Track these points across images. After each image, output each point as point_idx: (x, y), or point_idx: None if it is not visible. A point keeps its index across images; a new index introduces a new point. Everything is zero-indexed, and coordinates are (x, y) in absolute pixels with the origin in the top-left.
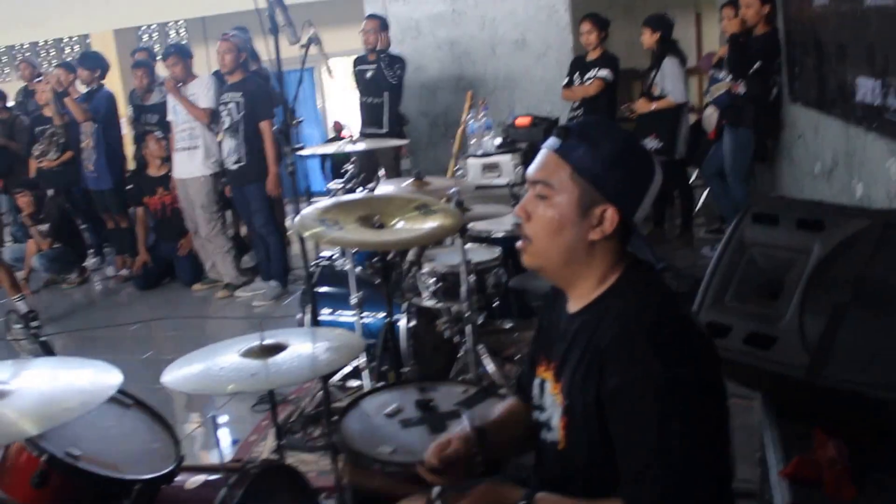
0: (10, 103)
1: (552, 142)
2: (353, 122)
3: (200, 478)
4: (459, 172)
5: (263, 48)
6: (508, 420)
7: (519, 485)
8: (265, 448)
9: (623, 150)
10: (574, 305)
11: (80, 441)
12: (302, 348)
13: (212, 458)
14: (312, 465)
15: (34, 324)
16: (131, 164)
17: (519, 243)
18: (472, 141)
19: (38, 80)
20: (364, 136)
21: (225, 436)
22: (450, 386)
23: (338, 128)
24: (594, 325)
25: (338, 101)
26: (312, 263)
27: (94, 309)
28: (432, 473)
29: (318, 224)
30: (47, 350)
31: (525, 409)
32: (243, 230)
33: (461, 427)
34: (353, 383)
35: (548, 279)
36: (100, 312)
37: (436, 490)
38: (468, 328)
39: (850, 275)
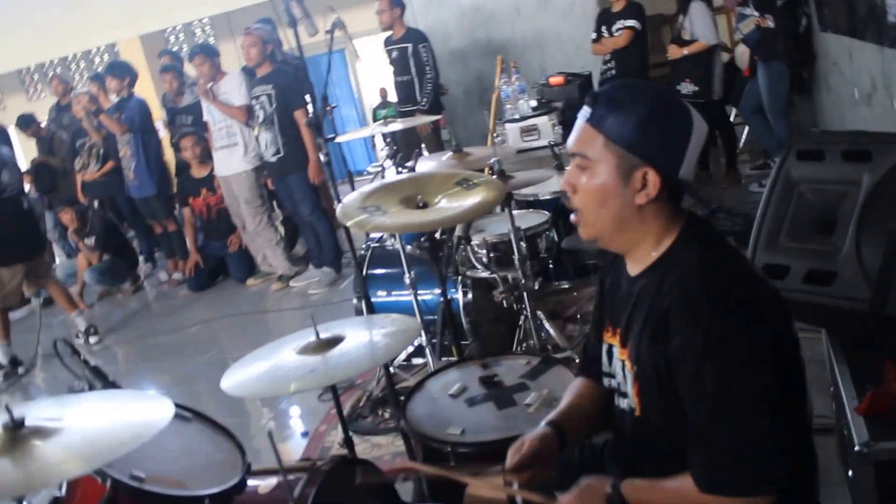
0: (43, 122)
1: (584, 111)
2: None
3: (272, 480)
4: (499, 139)
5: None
6: (580, 405)
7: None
8: (336, 437)
9: (654, 109)
10: (634, 269)
11: (145, 462)
12: (359, 338)
13: (288, 451)
14: (386, 447)
15: (94, 339)
16: (171, 168)
17: (572, 217)
18: (508, 105)
19: (72, 94)
20: (401, 113)
21: (297, 428)
22: (512, 359)
23: (383, 93)
24: (655, 288)
25: (372, 79)
26: (362, 247)
27: (150, 315)
28: (516, 475)
29: (360, 212)
30: (100, 375)
31: (594, 387)
32: None
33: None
34: (418, 361)
35: (606, 248)
36: (157, 318)
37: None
38: (525, 295)
39: None
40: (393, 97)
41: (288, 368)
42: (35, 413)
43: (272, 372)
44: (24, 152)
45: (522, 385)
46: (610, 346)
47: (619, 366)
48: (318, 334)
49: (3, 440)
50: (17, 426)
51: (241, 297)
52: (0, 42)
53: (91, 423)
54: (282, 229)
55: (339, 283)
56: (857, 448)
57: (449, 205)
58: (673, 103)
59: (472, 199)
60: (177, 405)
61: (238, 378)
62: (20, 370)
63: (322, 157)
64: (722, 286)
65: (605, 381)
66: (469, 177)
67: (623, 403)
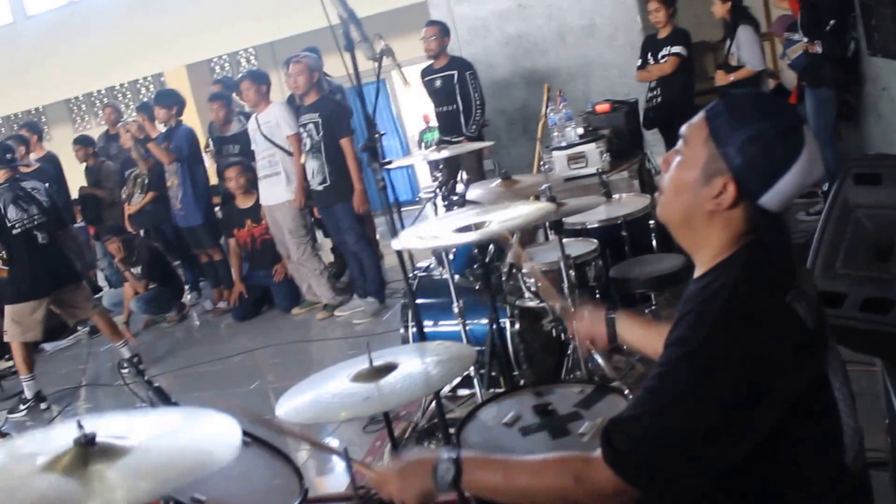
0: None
1: (710, 104)
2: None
3: None
4: (545, 167)
5: (334, 65)
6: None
7: None
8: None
9: (765, 128)
10: (697, 272)
11: (205, 485)
12: (412, 365)
13: (329, 486)
14: None
15: (125, 373)
16: (216, 198)
17: (656, 194)
18: (554, 133)
19: (120, 124)
20: (444, 143)
21: (340, 461)
22: (565, 387)
23: (427, 119)
24: (699, 294)
25: (413, 108)
26: (409, 276)
27: (196, 345)
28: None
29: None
30: (163, 396)
31: None
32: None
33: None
34: (464, 392)
35: (674, 238)
36: (202, 347)
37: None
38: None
39: None
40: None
41: (342, 395)
42: (101, 428)
43: (325, 399)
44: (72, 180)
45: (576, 414)
46: None
47: None
48: (371, 361)
49: (73, 458)
50: (88, 443)
51: (286, 327)
52: (48, 72)
53: (160, 443)
54: (332, 256)
55: (383, 314)
56: None
57: (499, 220)
58: (790, 132)
59: (521, 210)
60: None
61: (293, 405)
62: (42, 405)
63: (379, 184)
64: (742, 311)
65: None
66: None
67: None
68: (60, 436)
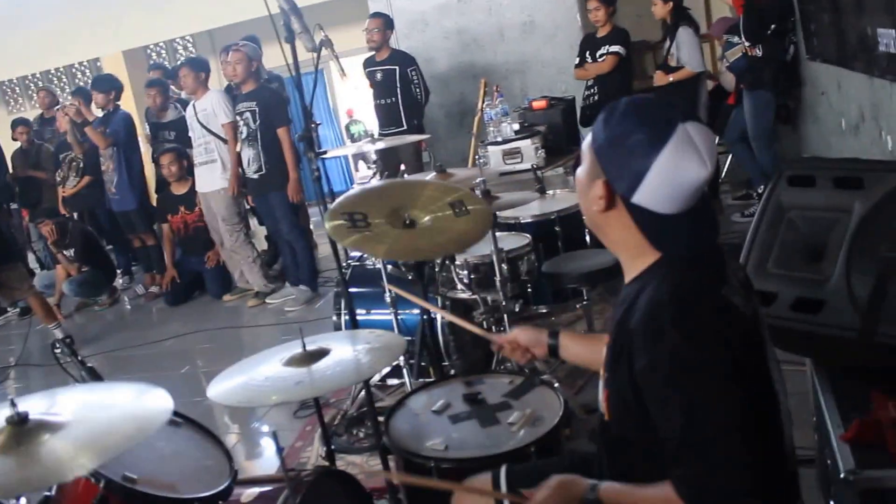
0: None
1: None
2: (369, 121)
3: (255, 490)
4: (480, 161)
5: (273, 54)
6: (590, 343)
7: (581, 468)
8: (312, 454)
9: (630, 128)
10: (626, 276)
11: (136, 464)
12: (343, 352)
13: (257, 469)
14: (360, 466)
15: (58, 353)
16: (151, 183)
17: None
18: (491, 128)
19: (56, 108)
20: (383, 136)
21: (269, 444)
22: (495, 378)
23: (350, 114)
24: (630, 303)
25: (349, 100)
26: (343, 264)
27: (127, 328)
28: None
29: (344, 218)
30: (95, 375)
31: None
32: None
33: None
34: (393, 381)
35: None
36: (133, 331)
37: (503, 480)
38: (505, 317)
39: (895, 230)
40: (361, 117)
41: (274, 379)
42: (35, 407)
43: (257, 382)
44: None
45: (506, 404)
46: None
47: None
48: (304, 346)
49: (8, 435)
50: (21, 421)
51: (217, 313)
52: None
53: (94, 416)
54: (265, 244)
55: (314, 302)
56: (842, 475)
57: (436, 228)
58: (653, 130)
59: (461, 227)
60: None
61: (224, 387)
62: None
63: (314, 173)
64: (687, 309)
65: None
66: (462, 198)
67: (600, 406)
68: None
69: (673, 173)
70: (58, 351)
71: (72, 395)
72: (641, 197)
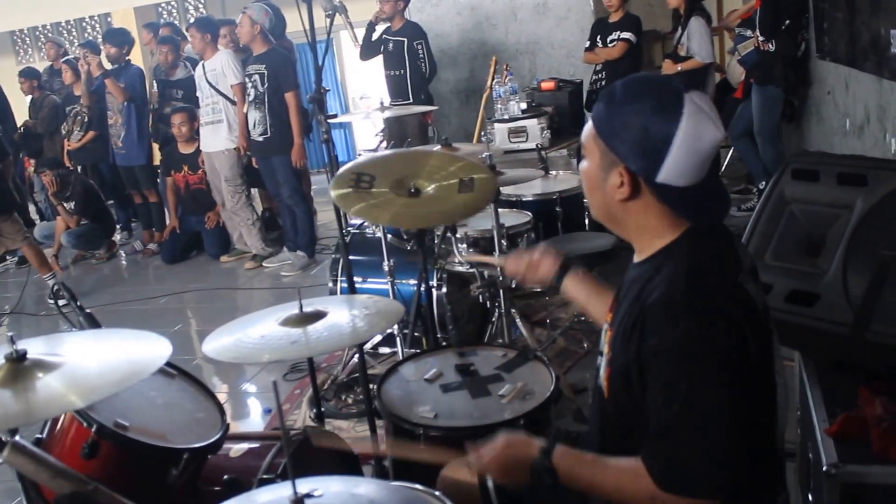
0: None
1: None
2: (374, 93)
3: (244, 446)
4: (486, 137)
5: (291, 20)
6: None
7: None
8: (300, 416)
9: (639, 108)
10: (637, 256)
11: (129, 412)
12: (340, 315)
13: (244, 429)
14: (347, 431)
15: (62, 302)
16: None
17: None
18: (498, 106)
19: (64, 59)
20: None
21: (257, 405)
22: (489, 350)
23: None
24: (645, 281)
25: (357, 71)
26: (343, 231)
27: (122, 283)
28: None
29: (351, 182)
30: (93, 322)
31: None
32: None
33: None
34: (385, 350)
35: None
36: (128, 286)
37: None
38: (501, 292)
39: (895, 229)
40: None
41: (269, 338)
42: (34, 349)
43: (253, 340)
44: (18, 113)
45: (497, 376)
46: (605, 326)
47: (604, 346)
48: (301, 307)
49: (6, 371)
50: (19, 358)
51: (214, 273)
52: None
53: (90, 359)
54: (259, 207)
55: (311, 269)
56: (824, 468)
57: (439, 197)
58: (663, 104)
59: (465, 197)
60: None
61: (219, 343)
62: None
63: (323, 136)
64: (704, 292)
65: (597, 358)
66: (468, 169)
67: (598, 382)
68: None
69: (694, 143)
70: (54, 300)
71: (70, 339)
72: (666, 174)
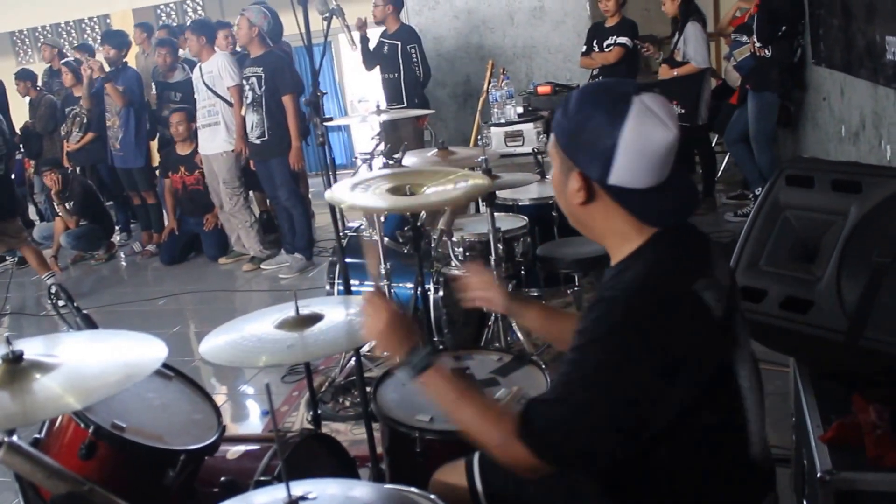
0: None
1: None
2: (373, 96)
3: (241, 448)
4: (482, 141)
5: (288, 24)
6: (550, 315)
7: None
8: (297, 419)
9: (586, 113)
10: (612, 261)
11: (126, 413)
12: (336, 318)
13: (242, 431)
14: (344, 434)
15: (60, 302)
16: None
17: None
18: (494, 109)
19: (63, 61)
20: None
21: (254, 407)
22: (484, 354)
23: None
24: (609, 286)
25: (355, 74)
26: (340, 233)
27: (121, 284)
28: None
29: (347, 193)
30: (90, 323)
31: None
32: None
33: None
34: (383, 353)
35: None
36: (127, 287)
37: (476, 468)
38: None
39: (889, 236)
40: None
41: (265, 341)
42: (31, 349)
43: (249, 343)
44: (17, 115)
45: (493, 380)
46: None
47: None
48: (298, 310)
49: (3, 372)
50: (16, 359)
51: (212, 275)
52: None
53: (87, 360)
54: (257, 210)
55: (308, 271)
56: (818, 475)
57: (435, 191)
58: (608, 107)
59: (460, 185)
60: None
61: (215, 345)
62: None
63: (318, 139)
64: (648, 297)
65: None
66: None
67: None
68: None
69: (640, 144)
70: (53, 301)
71: (67, 340)
72: (617, 176)
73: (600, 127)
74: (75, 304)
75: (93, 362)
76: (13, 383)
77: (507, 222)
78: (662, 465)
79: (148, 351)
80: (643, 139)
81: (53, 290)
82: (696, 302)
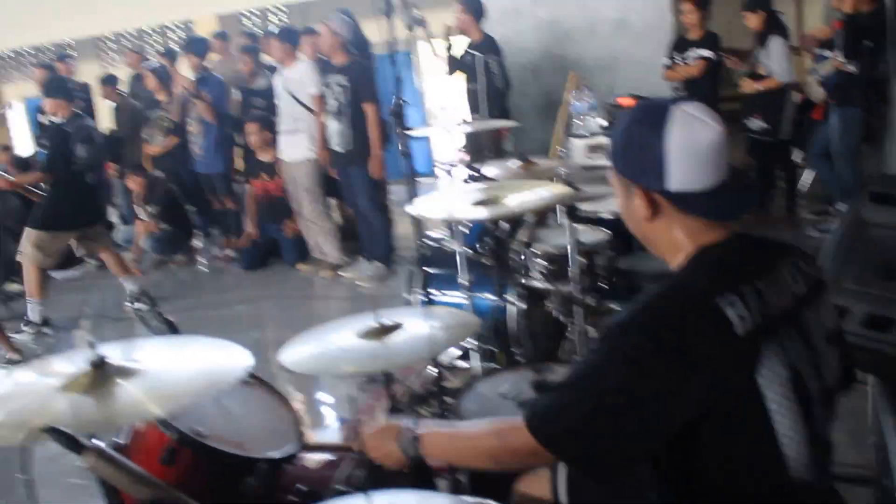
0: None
1: None
2: (454, 105)
3: (319, 456)
4: (563, 153)
5: (370, 32)
6: None
7: None
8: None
9: (629, 127)
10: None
11: (207, 419)
12: (417, 327)
13: (319, 438)
14: None
15: (138, 305)
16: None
17: None
18: (576, 121)
19: (146, 65)
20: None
21: (331, 415)
22: (564, 367)
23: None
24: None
25: (436, 81)
26: (418, 243)
27: (200, 289)
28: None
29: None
30: (172, 328)
31: None
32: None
33: None
34: (461, 364)
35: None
36: (207, 292)
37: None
38: (577, 309)
39: None
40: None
41: (348, 350)
42: (114, 354)
43: (332, 352)
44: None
45: None
46: None
47: None
48: (379, 319)
49: (88, 377)
50: (100, 364)
51: (290, 281)
52: (80, 8)
53: (170, 366)
54: (337, 217)
55: (387, 279)
56: None
57: (516, 202)
58: (647, 116)
59: (539, 198)
60: None
61: (298, 354)
62: (48, 331)
63: (402, 149)
64: (661, 306)
65: None
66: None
67: None
68: (70, 360)
69: (687, 145)
70: (137, 302)
71: (150, 345)
72: (674, 181)
73: (645, 138)
74: (158, 309)
75: (176, 368)
76: (97, 389)
77: (590, 235)
78: (687, 486)
79: (232, 359)
80: (689, 140)
81: (135, 293)
82: (715, 315)
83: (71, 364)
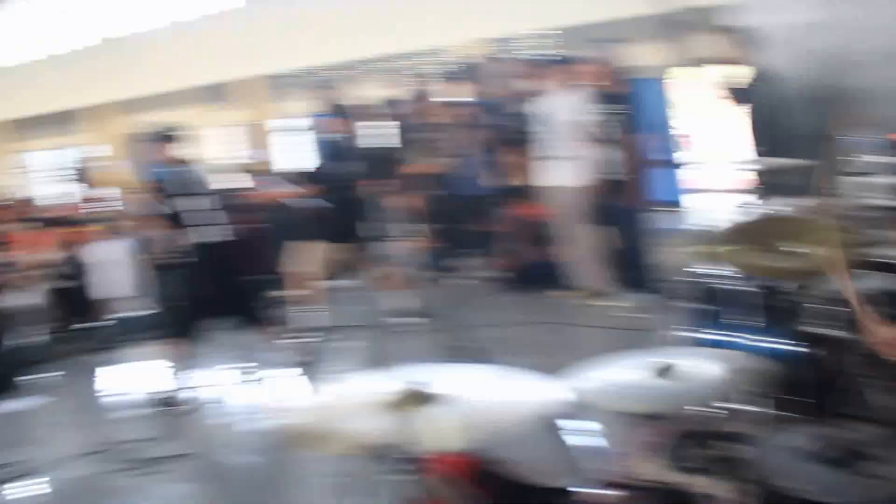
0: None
1: None
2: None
3: (598, 491)
4: (835, 190)
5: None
6: None
7: None
8: (647, 466)
9: None
10: None
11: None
12: (703, 367)
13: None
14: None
15: (412, 320)
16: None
17: None
18: (853, 158)
19: (413, 89)
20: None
21: (595, 443)
22: (864, 426)
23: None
24: None
25: (701, 112)
26: (689, 277)
27: (467, 309)
28: None
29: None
30: (480, 354)
31: None
32: None
33: None
34: (749, 409)
35: None
36: (473, 313)
37: None
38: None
39: None
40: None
41: (639, 388)
42: (413, 375)
43: (623, 387)
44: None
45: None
46: None
47: None
48: (671, 359)
49: (402, 400)
50: (416, 388)
51: (554, 307)
52: (362, 30)
53: (481, 397)
54: (603, 246)
55: (654, 311)
56: None
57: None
58: None
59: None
60: None
61: (590, 383)
62: (333, 337)
63: (668, 178)
64: None
65: None
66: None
67: None
68: (380, 381)
69: None
70: (405, 320)
71: (459, 370)
72: None
73: None
74: (463, 332)
75: (487, 401)
76: (409, 411)
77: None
78: None
79: (548, 391)
80: None
81: (406, 309)
82: None
83: (385, 383)
